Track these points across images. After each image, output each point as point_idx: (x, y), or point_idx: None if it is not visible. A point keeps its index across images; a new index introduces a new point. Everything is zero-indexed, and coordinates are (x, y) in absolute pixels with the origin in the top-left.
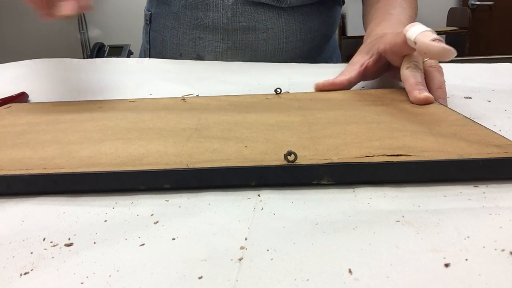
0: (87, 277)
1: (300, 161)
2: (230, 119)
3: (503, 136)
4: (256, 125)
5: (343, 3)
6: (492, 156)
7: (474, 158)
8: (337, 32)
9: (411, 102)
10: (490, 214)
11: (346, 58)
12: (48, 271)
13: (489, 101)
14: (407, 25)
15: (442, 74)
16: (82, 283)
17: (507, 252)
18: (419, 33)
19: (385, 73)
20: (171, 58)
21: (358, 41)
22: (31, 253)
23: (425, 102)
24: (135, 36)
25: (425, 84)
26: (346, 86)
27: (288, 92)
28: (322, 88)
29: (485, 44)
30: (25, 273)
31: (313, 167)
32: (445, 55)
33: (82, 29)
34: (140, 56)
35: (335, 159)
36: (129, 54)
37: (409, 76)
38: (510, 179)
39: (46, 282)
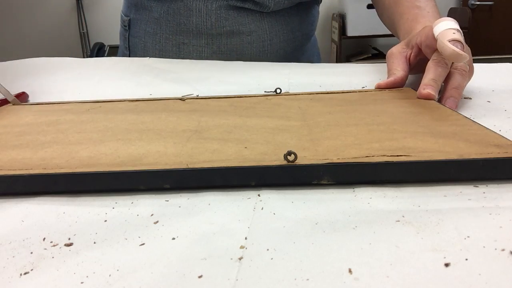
0: (87, 276)
1: (300, 161)
2: (230, 122)
3: (503, 136)
4: (256, 128)
5: (320, 1)
6: (492, 156)
7: (474, 158)
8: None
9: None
10: (490, 214)
11: (346, 58)
12: (48, 271)
13: (489, 101)
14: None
15: (464, 77)
16: (82, 282)
17: (507, 252)
18: (442, 30)
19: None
20: None
21: (358, 41)
22: (31, 253)
23: (426, 98)
24: None
25: (440, 81)
26: (405, 80)
27: (288, 92)
28: (385, 87)
29: (485, 44)
30: (25, 273)
31: (313, 167)
32: (454, 58)
33: (82, 29)
34: None
35: (335, 159)
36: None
37: (429, 69)
38: (510, 179)
39: (46, 282)
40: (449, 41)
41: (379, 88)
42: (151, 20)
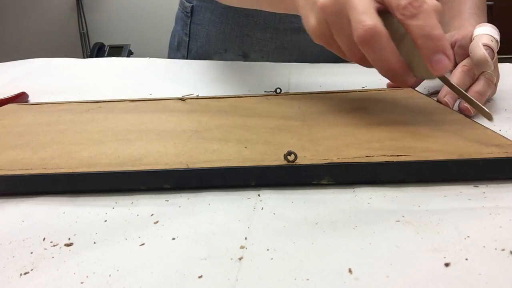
0: (87, 277)
1: (300, 161)
2: (230, 122)
3: (503, 136)
4: (256, 128)
5: None
6: (492, 156)
7: (474, 158)
8: None
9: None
10: (490, 214)
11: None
12: (48, 271)
13: (489, 101)
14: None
15: (489, 86)
16: (82, 283)
17: (507, 252)
18: (480, 34)
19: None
20: (214, 53)
21: None
22: (31, 253)
23: (445, 105)
24: (135, 36)
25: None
26: (419, 82)
27: (288, 92)
28: (395, 87)
29: None
30: (25, 273)
31: (313, 167)
32: (481, 63)
33: (82, 29)
34: (171, 47)
35: (335, 159)
36: (129, 54)
37: (454, 75)
38: (510, 179)
39: (46, 282)
40: (483, 45)
41: (390, 87)
42: (217, 9)
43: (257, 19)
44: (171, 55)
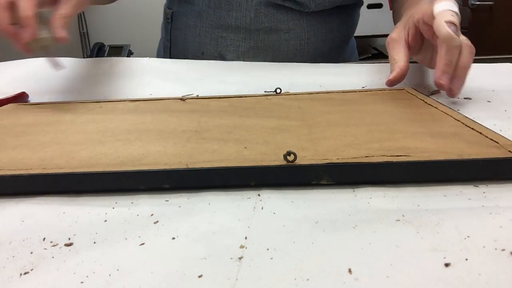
0: (87, 276)
1: (300, 161)
2: (230, 122)
3: (503, 136)
4: (256, 128)
5: (362, 4)
6: (492, 156)
7: (474, 158)
8: None
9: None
10: (490, 214)
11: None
12: (48, 271)
13: (489, 101)
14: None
15: (471, 52)
16: (82, 282)
17: (507, 252)
18: (441, 10)
19: (421, 50)
20: (192, 57)
21: (358, 41)
22: (31, 253)
23: (439, 87)
24: (135, 36)
25: (453, 62)
26: (408, 65)
27: (288, 92)
28: (397, 83)
29: (485, 44)
30: (25, 273)
31: (313, 167)
32: (447, 40)
33: (82, 29)
34: (159, 54)
35: (335, 159)
36: (129, 54)
37: (439, 68)
38: (510, 179)
39: (46, 282)
40: (446, 22)
41: (391, 83)
42: (192, 13)
43: (229, 20)
44: None
